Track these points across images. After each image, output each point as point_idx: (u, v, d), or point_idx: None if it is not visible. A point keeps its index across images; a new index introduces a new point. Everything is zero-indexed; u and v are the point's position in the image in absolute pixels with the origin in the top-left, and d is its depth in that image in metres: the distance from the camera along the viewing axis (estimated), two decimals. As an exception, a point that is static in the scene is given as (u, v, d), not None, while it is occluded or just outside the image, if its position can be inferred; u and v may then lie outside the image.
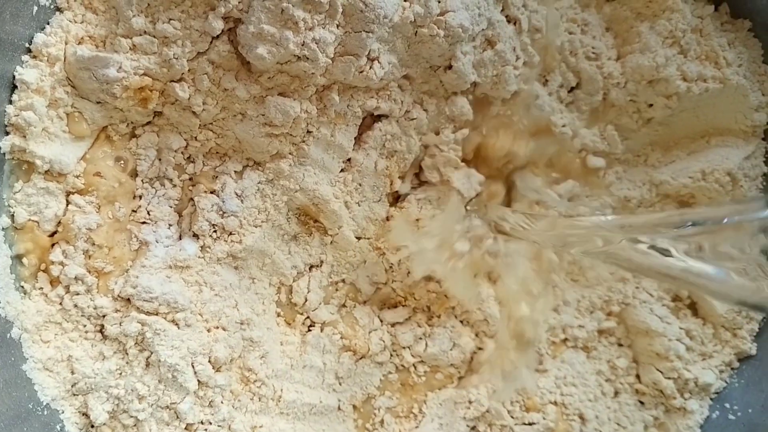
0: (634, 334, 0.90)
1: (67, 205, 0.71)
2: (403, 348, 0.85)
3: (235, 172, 0.78)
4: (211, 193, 0.76)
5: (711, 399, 0.89)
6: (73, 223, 0.70)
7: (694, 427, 0.88)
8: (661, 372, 0.88)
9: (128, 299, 0.72)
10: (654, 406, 0.90)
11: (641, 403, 0.90)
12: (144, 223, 0.75)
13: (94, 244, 0.72)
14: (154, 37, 0.68)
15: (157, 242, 0.74)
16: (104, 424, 0.70)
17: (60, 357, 0.69)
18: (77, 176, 0.71)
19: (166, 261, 0.74)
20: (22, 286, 0.69)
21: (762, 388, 0.86)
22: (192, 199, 0.77)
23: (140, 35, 0.68)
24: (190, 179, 0.77)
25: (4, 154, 0.66)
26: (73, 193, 0.71)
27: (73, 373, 0.70)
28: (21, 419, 0.65)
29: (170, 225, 0.76)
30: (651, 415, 0.89)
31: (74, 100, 0.69)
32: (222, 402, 0.75)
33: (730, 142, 0.90)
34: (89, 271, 0.71)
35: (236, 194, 0.77)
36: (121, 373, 0.71)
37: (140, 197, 0.75)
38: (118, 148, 0.73)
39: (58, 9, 0.67)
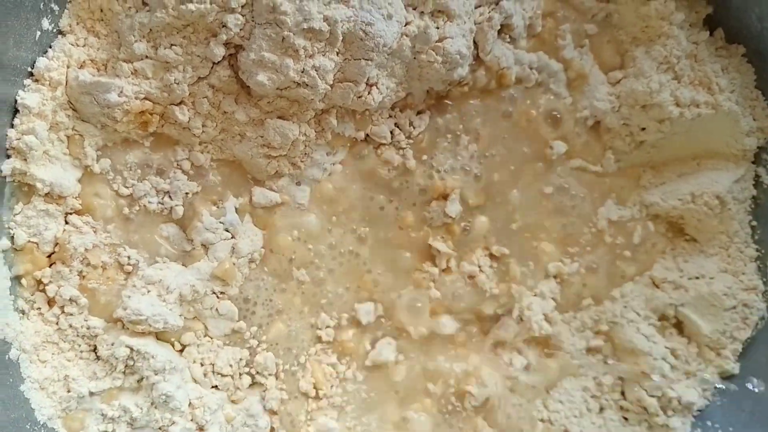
0: (621, 352, 0.91)
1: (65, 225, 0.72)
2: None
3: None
4: (214, 205, 0.78)
5: (693, 417, 0.91)
6: (69, 244, 0.71)
7: (676, 446, 0.90)
8: (645, 390, 0.90)
9: (119, 320, 0.73)
10: (638, 423, 0.91)
11: (625, 419, 0.92)
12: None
13: (88, 264, 0.73)
14: (156, 62, 0.69)
15: (150, 262, 0.76)
16: None
17: (57, 377, 0.70)
18: (76, 197, 0.72)
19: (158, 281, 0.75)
20: (21, 307, 0.70)
21: (743, 407, 0.88)
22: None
23: (141, 60, 0.68)
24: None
25: (5, 177, 0.67)
26: (71, 214, 0.72)
27: (69, 392, 0.71)
28: (19, 439, 0.66)
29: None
30: (634, 431, 0.91)
31: (75, 123, 0.70)
32: (213, 424, 0.76)
33: (720, 165, 0.91)
34: (83, 292, 0.72)
35: (236, 209, 0.79)
36: (114, 394, 0.73)
37: (136, 216, 0.76)
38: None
39: (61, 32, 0.68)
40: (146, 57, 0.68)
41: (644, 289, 0.93)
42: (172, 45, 0.68)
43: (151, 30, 0.67)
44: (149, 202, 0.75)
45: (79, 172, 0.71)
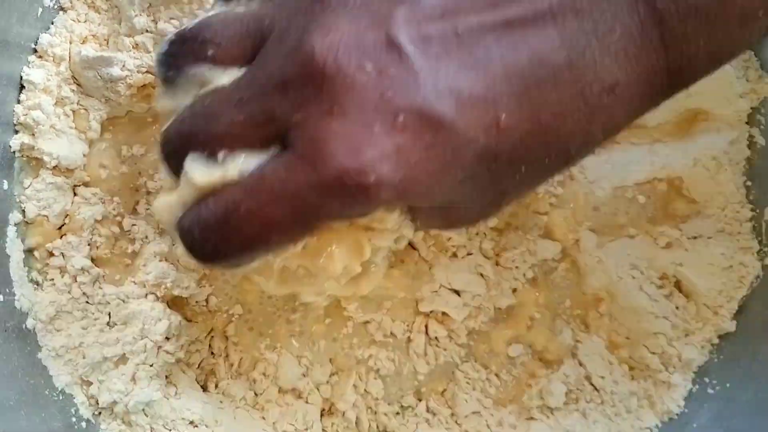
0: (622, 310, 0.93)
1: (74, 197, 0.74)
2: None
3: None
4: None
5: (693, 373, 0.93)
6: (79, 215, 0.73)
7: (678, 400, 0.92)
8: (647, 347, 0.92)
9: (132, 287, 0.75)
10: (644, 379, 0.93)
11: (632, 377, 0.94)
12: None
13: (100, 235, 0.74)
14: (156, 35, 0.70)
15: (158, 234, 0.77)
16: (115, 406, 0.73)
17: (72, 344, 0.72)
18: (83, 170, 0.73)
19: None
20: (35, 279, 0.72)
21: (740, 364, 0.90)
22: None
23: (142, 34, 0.70)
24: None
25: (14, 152, 0.68)
26: (78, 186, 0.74)
27: (84, 358, 0.73)
28: (39, 405, 0.68)
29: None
30: (641, 388, 0.93)
31: (80, 97, 0.71)
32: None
33: (714, 127, 0.92)
34: (94, 261, 0.74)
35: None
36: (128, 360, 0.74)
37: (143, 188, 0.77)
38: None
39: (62, 9, 0.69)
40: (147, 31, 0.70)
41: (646, 249, 0.94)
42: (171, 18, 0.69)
43: (150, 4, 0.69)
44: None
45: (85, 145, 0.73)
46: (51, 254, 0.73)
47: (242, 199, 0.46)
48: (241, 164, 0.46)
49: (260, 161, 0.46)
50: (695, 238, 0.93)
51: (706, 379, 0.92)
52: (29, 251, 0.72)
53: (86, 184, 0.74)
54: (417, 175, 0.44)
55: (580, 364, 0.91)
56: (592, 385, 0.91)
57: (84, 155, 0.73)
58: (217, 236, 0.47)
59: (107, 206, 0.75)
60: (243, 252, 0.48)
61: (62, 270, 0.73)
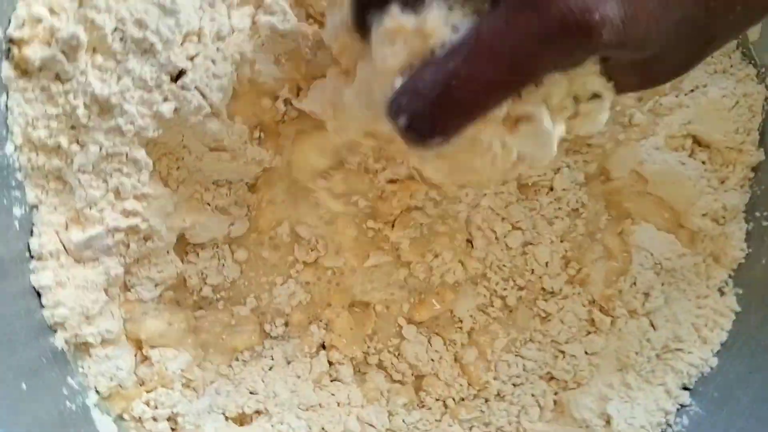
0: (660, 184, 0.93)
1: (143, 359, 0.78)
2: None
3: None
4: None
5: (743, 213, 0.94)
6: (167, 370, 0.77)
7: (740, 244, 0.93)
8: (694, 217, 0.93)
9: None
10: (701, 241, 0.94)
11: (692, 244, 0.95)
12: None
13: (190, 380, 0.79)
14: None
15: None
16: None
17: (192, 476, 0.78)
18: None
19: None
20: (134, 436, 0.77)
21: (782, 189, 0.91)
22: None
23: (103, 198, 0.70)
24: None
25: (62, 349, 0.71)
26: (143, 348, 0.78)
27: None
28: None
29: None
30: (703, 249, 0.94)
31: (92, 273, 0.73)
32: None
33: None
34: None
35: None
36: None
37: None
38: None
39: (34, 207, 0.69)
40: (107, 190, 0.70)
41: (654, 119, 0.93)
42: (116, 170, 0.70)
43: (93, 166, 0.69)
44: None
45: (118, 309, 0.76)
46: (142, 409, 0.77)
47: (460, 65, 0.45)
48: (443, 16, 0.47)
49: (464, 18, 0.47)
50: (692, 91, 0.92)
51: (757, 214, 0.93)
52: (119, 417, 0.76)
53: (152, 345, 0.78)
54: (638, 14, 0.44)
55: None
56: (659, 266, 0.93)
57: (121, 317, 0.76)
58: (439, 109, 0.46)
59: (182, 353, 0.80)
60: (462, 123, 0.47)
61: (156, 417, 0.77)
